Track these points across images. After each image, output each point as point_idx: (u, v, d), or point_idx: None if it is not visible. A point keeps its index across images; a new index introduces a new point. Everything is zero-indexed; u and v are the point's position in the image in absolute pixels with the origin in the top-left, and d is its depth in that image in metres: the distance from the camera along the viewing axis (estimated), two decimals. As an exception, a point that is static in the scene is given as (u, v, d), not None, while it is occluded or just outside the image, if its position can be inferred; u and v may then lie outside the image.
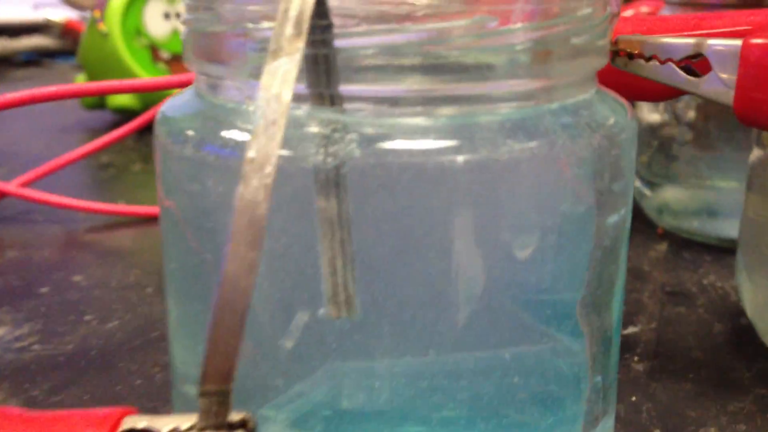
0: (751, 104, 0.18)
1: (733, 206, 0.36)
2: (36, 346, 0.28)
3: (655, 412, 0.24)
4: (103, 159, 0.53)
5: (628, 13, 0.43)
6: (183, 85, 0.32)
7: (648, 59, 0.20)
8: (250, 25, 0.15)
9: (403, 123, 0.15)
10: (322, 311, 0.15)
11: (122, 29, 0.60)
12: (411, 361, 0.16)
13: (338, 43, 0.14)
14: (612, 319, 0.18)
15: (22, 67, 0.95)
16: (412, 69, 0.15)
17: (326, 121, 0.15)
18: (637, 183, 0.39)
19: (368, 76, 0.15)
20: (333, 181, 0.14)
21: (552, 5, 0.16)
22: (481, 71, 0.15)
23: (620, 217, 0.17)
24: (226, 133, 0.16)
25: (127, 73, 0.60)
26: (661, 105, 0.38)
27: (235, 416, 0.13)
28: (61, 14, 0.98)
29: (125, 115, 0.61)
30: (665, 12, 0.37)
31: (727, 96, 0.19)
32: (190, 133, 0.16)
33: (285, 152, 0.15)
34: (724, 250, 0.37)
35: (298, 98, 0.15)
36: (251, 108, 0.16)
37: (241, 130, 0.15)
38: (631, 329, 0.29)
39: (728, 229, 0.37)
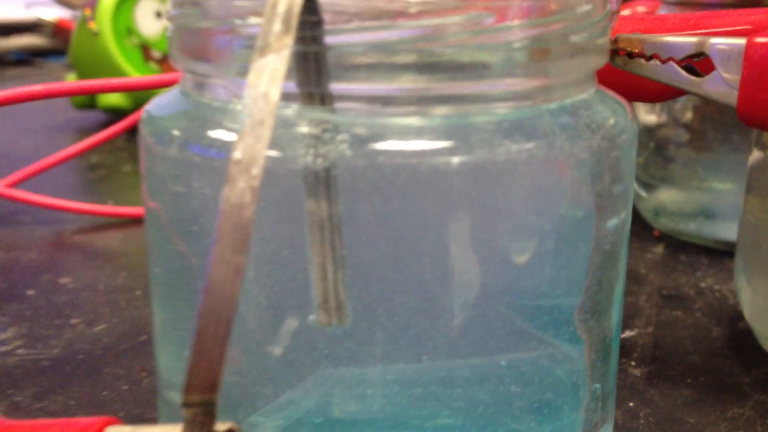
0: (755, 105, 0.18)
1: (729, 208, 0.36)
2: (21, 350, 0.27)
3: (653, 418, 0.24)
4: (93, 159, 0.53)
5: (625, 12, 0.42)
6: (173, 84, 0.31)
7: (648, 58, 0.20)
8: (238, 21, 0.15)
9: (396, 123, 0.15)
10: (311, 318, 0.15)
11: (113, 28, 0.60)
12: (404, 368, 0.16)
13: (329, 39, 0.14)
14: (611, 325, 0.18)
15: (12, 66, 0.95)
16: (406, 67, 0.14)
17: (316, 120, 0.14)
18: (634, 185, 0.39)
19: (360, 75, 0.14)
20: (323, 183, 0.14)
21: (550, 2, 0.15)
22: (476, 70, 0.15)
23: (620, 220, 0.17)
24: (212, 133, 0.15)
25: (117, 72, 0.59)
26: (658, 106, 0.37)
27: (220, 426, 0.13)
28: (54, 13, 0.97)
29: (116, 114, 0.61)
30: (662, 11, 0.36)
31: (731, 96, 0.18)
32: (176, 132, 0.16)
33: (273, 153, 0.14)
34: (721, 253, 0.36)
35: (286, 97, 0.14)
36: (238, 107, 0.15)
37: (228, 130, 0.15)
38: (627, 333, 0.29)
39: (725, 231, 0.37)
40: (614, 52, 0.20)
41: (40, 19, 0.98)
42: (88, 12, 0.61)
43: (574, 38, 0.16)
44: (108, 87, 0.33)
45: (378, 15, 0.14)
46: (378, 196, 0.14)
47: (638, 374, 0.26)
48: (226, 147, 0.15)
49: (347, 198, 0.14)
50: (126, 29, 0.61)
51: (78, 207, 0.41)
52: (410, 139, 0.14)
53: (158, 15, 0.62)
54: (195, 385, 0.12)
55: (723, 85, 0.18)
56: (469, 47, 0.15)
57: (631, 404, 0.24)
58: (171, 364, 0.18)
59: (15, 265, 0.35)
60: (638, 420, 0.24)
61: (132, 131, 0.44)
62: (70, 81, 0.36)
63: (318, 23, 0.14)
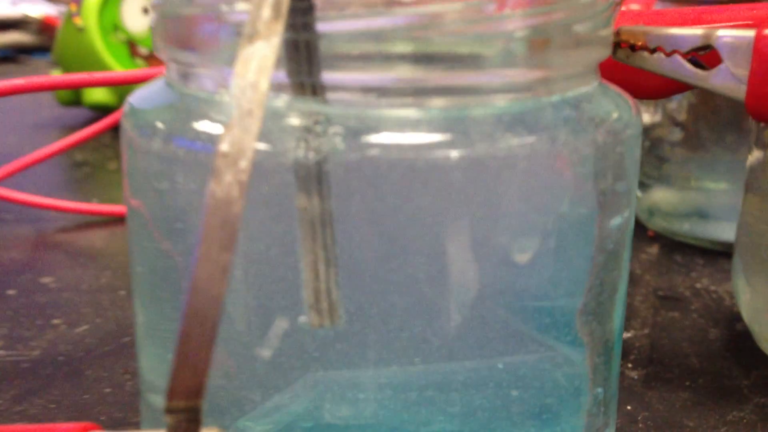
0: (765, 99, 0.17)
1: (724, 208, 0.36)
2: (0, 352, 0.26)
3: (651, 422, 0.23)
4: (78, 157, 0.52)
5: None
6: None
7: (652, 51, 0.19)
8: (225, 8, 0.14)
9: (391, 115, 0.14)
10: (302, 319, 0.14)
11: (99, 24, 0.59)
12: (398, 371, 0.15)
13: (321, 26, 0.14)
14: (614, 327, 0.17)
15: (-3, 63, 0.94)
16: (402, 57, 0.14)
17: (307, 112, 0.14)
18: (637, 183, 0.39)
19: (353, 64, 0.14)
20: (315, 177, 0.14)
21: (552, -10, 0.15)
22: (475, 60, 0.14)
23: (624, 219, 0.16)
24: (197, 125, 0.15)
25: (103, 69, 0.59)
26: (653, 105, 0.37)
27: (206, 433, 0.12)
28: (40, 10, 0.97)
29: (101, 111, 0.60)
30: (658, 8, 0.36)
31: (739, 90, 0.18)
32: (159, 125, 0.15)
33: (262, 146, 0.14)
34: (716, 253, 0.36)
35: (276, 87, 0.14)
36: (225, 98, 0.15)
37: (214, 121, 0.15)
38: (623, 335, 0.28)
39: (720, 231, 0.36)
40: (616, 45, 0.20)
41: (26, 16, 0.97)
42: (73, 7, 0.60)
43: (577, 28, 0.15)
44: (92, 81, 0.32)
45: (372, 1, 0.14)
46: (372, 191, 0.14)
47: (635, 377, 0.26)
48: (212, 139, 0.14)
49: (340, 193, 0.14)
50: (112, 25, 0.60)
51: (62, 205, 0.40)
52: (406, 132, 0.14)
53: (145, 11, 0.62)
54: (179, 390, 0.12)
55: (730, 78, 0.18)
56: (467, 36, 0.14)
57: (629, 408, 0.24)
58: (154, 366, 0.17)
59: (-4, 264, 0.34)
60: (637, 424, 0.23)
61: (118, 128, 0.43)
62: (54, 75, 0.36)
63: (309, 9, 0.13)
